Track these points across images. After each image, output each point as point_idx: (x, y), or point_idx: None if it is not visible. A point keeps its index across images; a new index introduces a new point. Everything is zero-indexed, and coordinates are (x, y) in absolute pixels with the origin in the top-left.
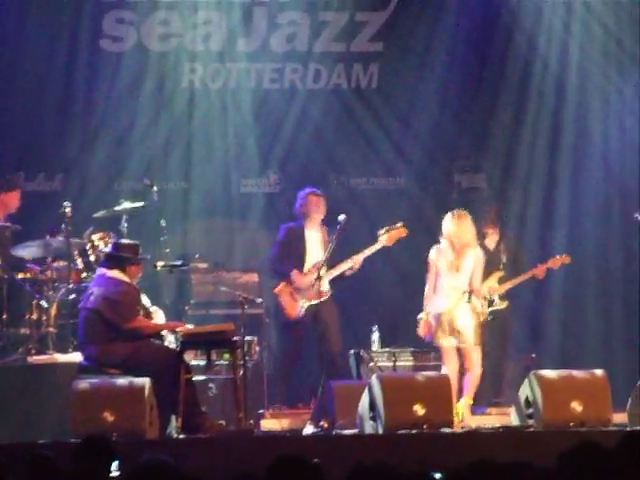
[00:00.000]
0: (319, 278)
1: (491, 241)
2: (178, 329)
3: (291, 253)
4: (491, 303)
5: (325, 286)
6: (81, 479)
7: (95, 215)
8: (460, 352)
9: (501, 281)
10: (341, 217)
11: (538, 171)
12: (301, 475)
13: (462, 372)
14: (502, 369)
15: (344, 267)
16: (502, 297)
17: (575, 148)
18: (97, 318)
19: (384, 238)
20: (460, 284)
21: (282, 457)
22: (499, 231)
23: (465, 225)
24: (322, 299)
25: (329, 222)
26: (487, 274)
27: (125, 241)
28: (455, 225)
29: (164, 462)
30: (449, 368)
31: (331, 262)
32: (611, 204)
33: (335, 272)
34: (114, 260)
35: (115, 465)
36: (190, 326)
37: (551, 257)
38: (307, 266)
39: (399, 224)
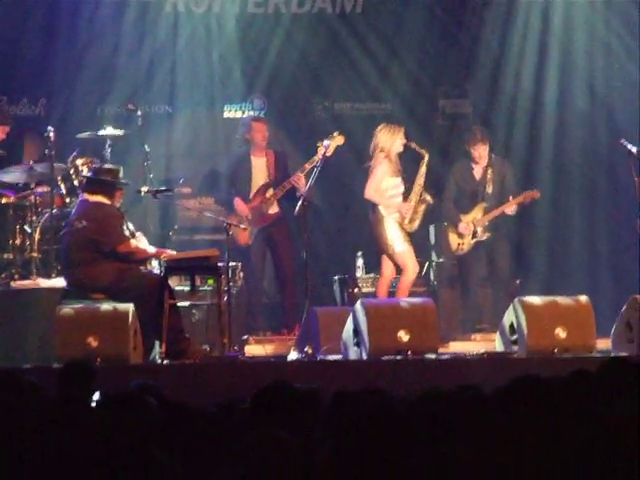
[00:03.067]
0: (264, 201)
1: (478, 170)
2: (163, 256)
3: (238, 182)
4: (474, 234)
5: (273, 209)
6: (64, 404)
7: (79, 136)
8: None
9: (484, 212)
10: (325, 142)
11: (523, 97)
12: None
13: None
14: (487, 296)
15: (287, 186)
16: (485, 229)
17: (561, 73)
18: (83, 242)
19: (320, 149)
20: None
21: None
22: (487, 158)
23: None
24: (270, 222)
25: (313, 147)
26: (472, 205)
27: (106, 166)
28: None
29: (151, 387)
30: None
31: (280, 183)
32: (596, 129)
33: (279, 193)
34: (95, 185)
35: (96, 395)
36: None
37: (521, 193)
38: (253, 191)
39: (335, 132)
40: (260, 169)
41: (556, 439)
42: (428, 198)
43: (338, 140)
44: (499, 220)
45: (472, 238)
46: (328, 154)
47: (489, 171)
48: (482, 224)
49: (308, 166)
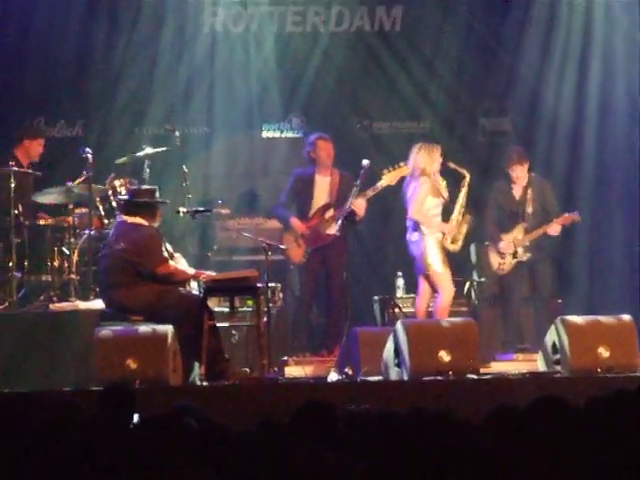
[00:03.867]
0: (322, 221)
1: (517, 190)
2: (202, 277)
3: (298, 199)
4: (515, 254)
5: (331, 229)
6: (103, 426)
7: (117, 161)
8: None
9: (525, 232)
10: (365, 162)
11: (564, 114)
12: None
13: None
14: (529, 316)
15: (347, 209)
16: (526, 249)
17: (602, 89)
18: (122, 264)
19: (386, 178)
20: None
21: (309, 402)
22: (527, 178)
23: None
24: (326, 243)
25: (352, 167)
26: (512, 225)
27: (143, 187)
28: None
29: (191, 408)
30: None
31: (341, 205)
32: (637, 146)
33: (339, 215)
34: (133, 206)
35: (136, 417)
36: (218, 276)
37: (562, 215)
38: (312, 210)
39: (401, 163)
40: (323, 188)
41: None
42: (470, 218)
43: (404, 171)
44: (540, 239)
45: (513, 258)
46: (391, 183)
47: (529, 191)
48: (523, 244)
49: (371, 193)
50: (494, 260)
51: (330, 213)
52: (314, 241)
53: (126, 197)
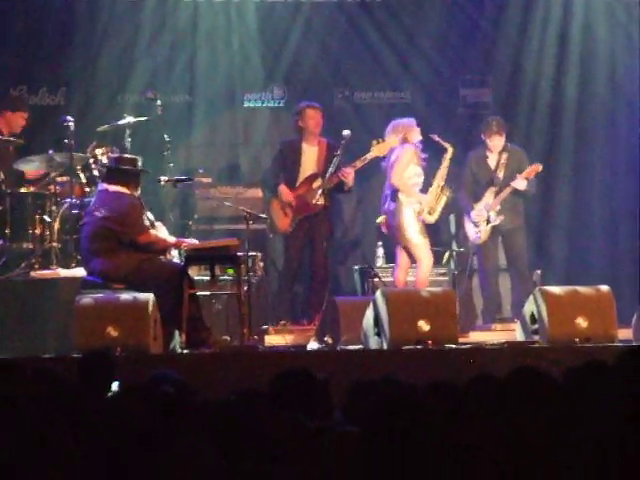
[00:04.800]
0: (309, 190)
1: (493, 158)
2: (183, 245)
3: (286, 168)
4: (488, 220)
5: (318, 199)
6: (82, 393)
7: (98, 129)
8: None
9: (495, 196)
10: (345, 132)
11: (544, 86)
12: (305, 388)
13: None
14: (507, 286)
15: (334, 180)
16: (499, 212)
17: (582, 61)
18: (103, 232)
19: (375, 149)
20: None
21: (287, 370)
22: (503, 146)
23: None
24: (313, 212)
25: (333, 137)
26: (484, 191)
27: (125, 155)
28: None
29: (170, 376)
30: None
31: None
32: (617, 119)
33: (327, 184)
34: (115, 174)
35: (115, 385)
36: (200, 245)
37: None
38: (300, 179)
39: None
40: (310, 158)
41: (564, 433)
42: (449, 190)
43: (393, 142)
44: (516, 208)
45: (487, 224)
46: (380, 155)
47: (503, 156)
48: (494, 208)
49: (359, 164)
50: (470, 230)
51: (318, 183)
52: (301, 210)
53: (108, 164)
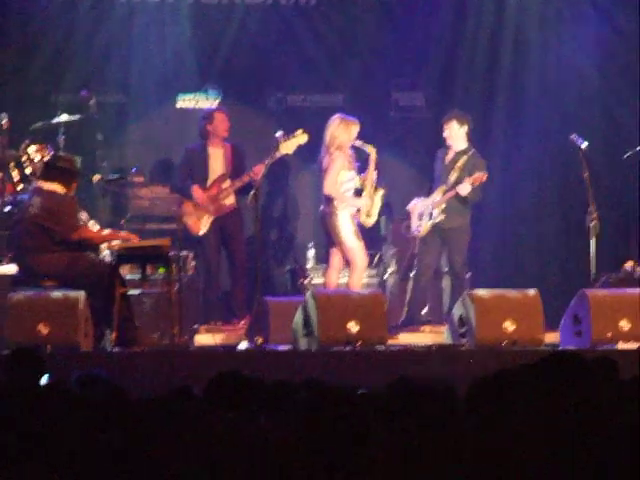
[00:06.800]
0: (220, 191)
1: (450, 155)
2: (117, 241)
3: (194, 171)
4: (431, 216)
5: (229, 200)
6: (9, 389)
7: (32, 127)
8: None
9: (443, 195)
10: (278, 134)
11: (475, 90)
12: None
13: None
14: (437, 289)
15: (245, 179)
16: (442, 211)
17: (513, 67)
18: (35, 229)
19: (283, 146)
20: None
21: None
22: (462, 143)
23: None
24: (225, 213)
25: (267, 138)
26: (435, 187)
27: (63, 154)
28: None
29: (98, 375)
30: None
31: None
32: (549, 122)
33: (237, 184)
34: (52, 172)
35: (45, 377)
36: (135, 238)
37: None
38: (209, 181)
39: (299, 130)
40: (217, 160)
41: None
42: (382, 191)
43: (301, 139)
44: (460, 212)
45: (429, 219)
46: (289, 152)
47: (461, 159)
48: (439, 205)
49: (269, 162)
50: (414, 222)
51: (227, 184)
52: (215, 210)
53: (46, 160)
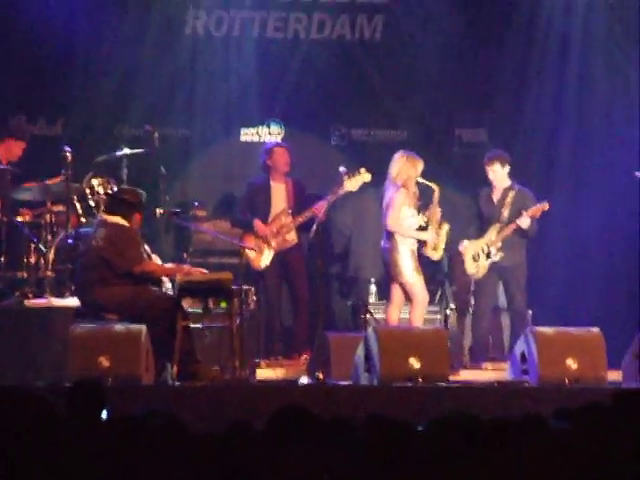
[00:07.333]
0: (282, 226)
1: (497, 194)
2: (180, 275)
3: (256, 206)
4: (488, 255)
5: (290, 236)
6: (72, 422)
7: (96, 160)
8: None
9: (498, 233)
10: (342, 169)
11: (540, 127)
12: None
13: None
14: (499, 325)
15: (307, 215)
16: (499, 249)
17: (578, 104)
18: (99, 263)
19: (347, 184)
20: None
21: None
22: (505, 181)
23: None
24: (287, 248)
25: (329, 173)
26: (488, 227)
27: (129, 187)
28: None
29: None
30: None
31: (298, 211)
32: (613, 161)
33: (299, 220)
34: (116, 204)
35: (105, 412)
36: (201, 270)
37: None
38: (271, 217)
39: (362, 169)
40: (279, 195)
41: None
42: (447, 226)
43: (365, 177)
44: (517, 249)
45: (487, 259)
46: (352, 189)
47: (509, 195)
48: (496, 244)
49: (331, 199)
50: (469, 265)
51: (288, 219)
52: (277, 245)
53: (111, 193)
